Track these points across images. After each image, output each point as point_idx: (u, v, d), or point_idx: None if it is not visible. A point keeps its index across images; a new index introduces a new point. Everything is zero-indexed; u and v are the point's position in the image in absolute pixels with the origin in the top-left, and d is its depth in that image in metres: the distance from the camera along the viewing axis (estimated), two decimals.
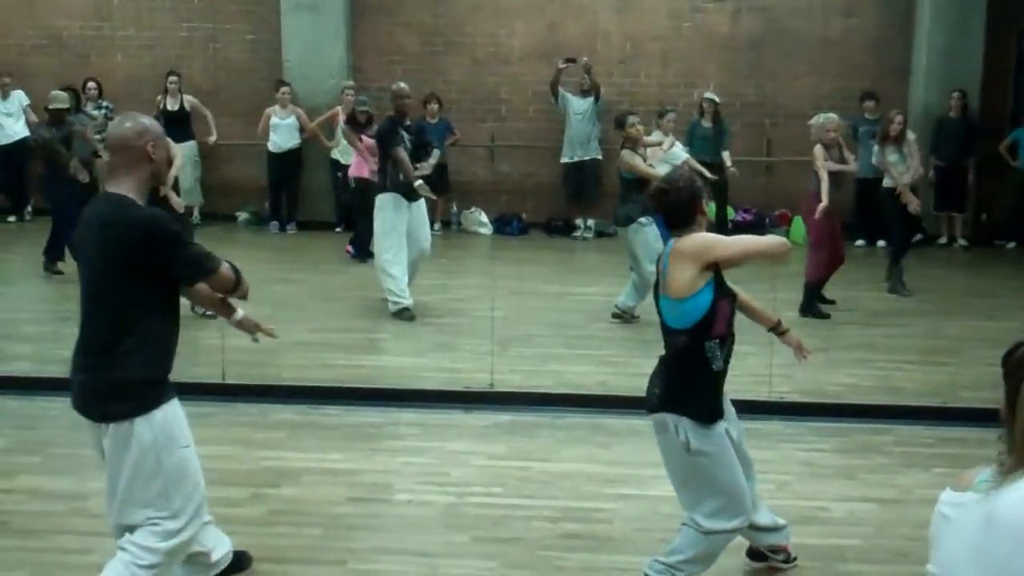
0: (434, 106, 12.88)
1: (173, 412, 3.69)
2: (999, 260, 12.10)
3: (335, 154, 12.80)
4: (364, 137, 10.61)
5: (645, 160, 8.60)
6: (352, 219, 11.43)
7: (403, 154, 8.45)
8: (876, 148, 9.89)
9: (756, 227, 12.70)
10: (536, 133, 13.26)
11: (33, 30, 13.64)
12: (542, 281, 10.38)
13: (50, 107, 10.14)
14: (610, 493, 5.28)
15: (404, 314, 8.46)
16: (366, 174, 10.32)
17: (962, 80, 12.40)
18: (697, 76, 13.17)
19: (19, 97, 12.96)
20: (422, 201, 8.72)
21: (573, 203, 13.20)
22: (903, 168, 9.58)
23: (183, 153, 12.51)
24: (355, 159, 11.07)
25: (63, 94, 10.16)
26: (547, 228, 13.20)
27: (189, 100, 12.72)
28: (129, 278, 3.55)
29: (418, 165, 8.65)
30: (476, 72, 13.37)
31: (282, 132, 12.65)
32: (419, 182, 8.52)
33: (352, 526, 4.88)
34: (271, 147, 12.68)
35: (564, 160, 12.97)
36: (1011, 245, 12.54)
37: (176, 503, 3.66)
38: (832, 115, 9.18)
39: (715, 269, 3.88)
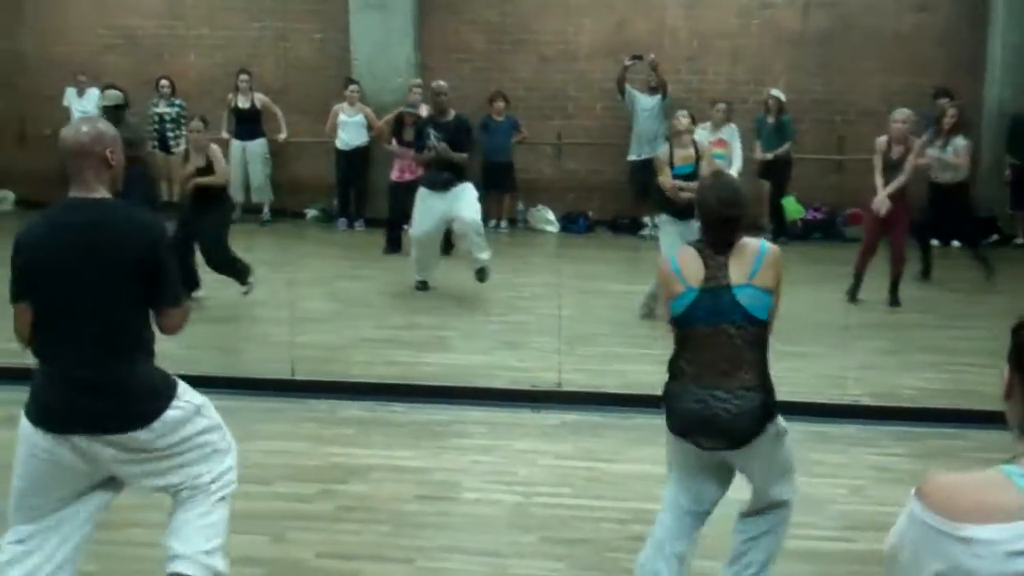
0: (500, 104, 12.90)
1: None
2: None
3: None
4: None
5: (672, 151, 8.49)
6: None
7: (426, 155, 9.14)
8: (924, 139, 9.66)
9: (828, 225, 12.54)
10: (603, 131, 13.21)
11: (106, 29, 13.91)
12: (608, 280, 10.35)
13: (104, 104, 10.20)
14: None
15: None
16: (407, 177, 10.95)
17: None
18: (766, 73, 13.02)
19: (95, 96, 13.22)
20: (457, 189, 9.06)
21: (640, 201, 13.10)
22: (942, 165, 9.39)
23: (253, 151, 12.75)
24: (397, 163, 11.25)
25: (115, 92, 10.25)
26: (613, 226, 13.14)
27: (260, 98, 12.89)
28: (134, 282, 3.46)
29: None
30: (543, 70, 13.36)
31: (350, 130, 12.75)
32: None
33: (420, 524, 4.91)
34: (339, 144, 12.79)
35: (631, 158, 12.89)
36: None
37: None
38: (904, 109, 9.01)
39: None
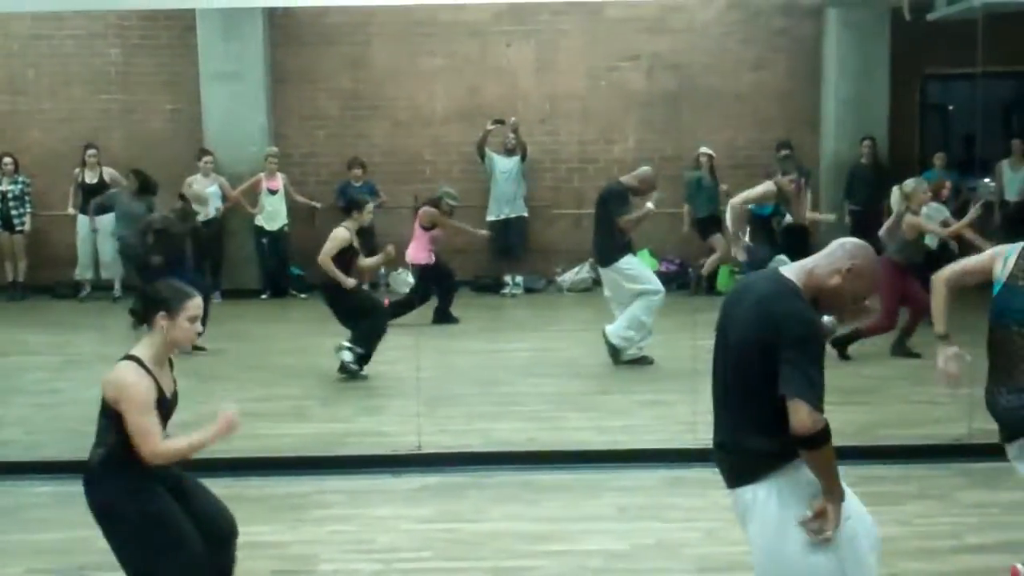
0: (358, 170, 12.94)
1: None
2: None
3: (259, 221, 12.78)
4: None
5: None
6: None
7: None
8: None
9: (681, 276, 12.90)
10: (461, 193, 13.33)
11: None
12: (470, 339, 10.40)
13: None
14: (539, 550, 5.26)
15: None
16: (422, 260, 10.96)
17: (870, 127, 12.82)
18: (616, 132, 13.43)
19: None
20: None
21: (501, 260, 13.30)
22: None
23: (103, 226, 12.41)
24: (415, 244, 11.14)
25: None
26: (475, 286, 13.25)
27: (108, 172, 12.62)
28: None
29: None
30: (398, 135, 13.48)
31: None
32: None
33: None
34: None
35: (490, 218, 13.08)
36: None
37: None
38: (921, 180, 9.44)
39: None
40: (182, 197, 10.34)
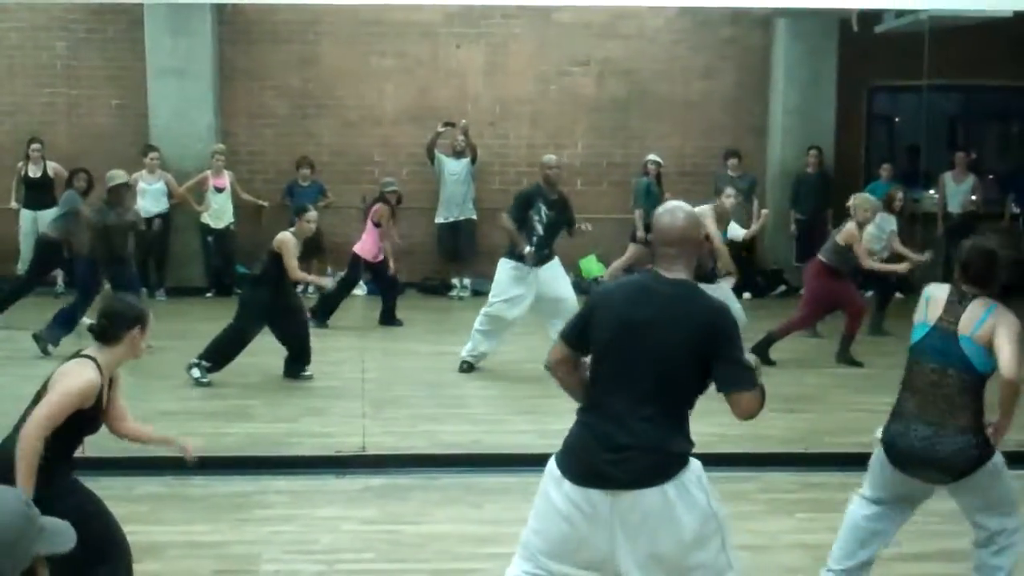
0: (306, 170, 12.86)
1: None
2: None
3: (205, 218, 12.65)
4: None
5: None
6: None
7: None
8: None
9: None
10: (410, 195, 13.30)
11: None
12: (416, 341, 10.37)
13: None
14: (483, 553, 5.25)
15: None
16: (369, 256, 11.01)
17: (816, 137, 13.00)
18: (565, 137, 13.47)
19: None
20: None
21: (449, 262, 13.29)
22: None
23: (46, 220, 12.18)
24: (365, 239, 11.09)
25: None
26: (422, 288, 13.22)
27: (52, 167, 12.37)
28: None
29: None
30: (348, 135, 13.42)
31: (149, 197, 12.40)
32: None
33: None
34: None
35: (439, 221, 13.07)
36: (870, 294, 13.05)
37: None
38: (870, 198, 9.39)
39: None
40: (111, 192, 9.93)
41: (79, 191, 10.55)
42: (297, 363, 8.53)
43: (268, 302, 8.37)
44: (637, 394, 3.49)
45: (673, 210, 3.69)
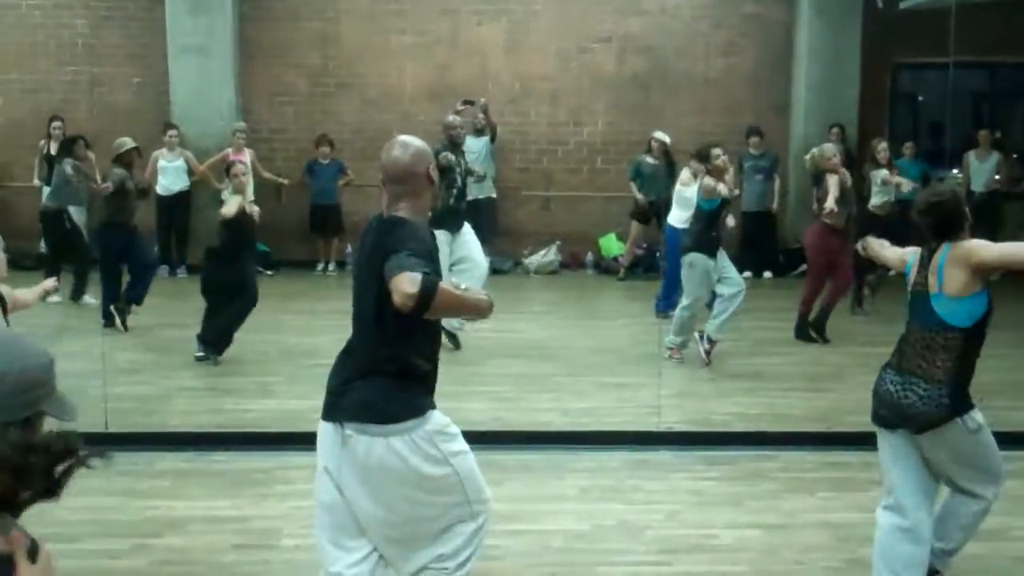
0: (326, 147, 12.87)
1: None
2: (887, 288, 12.45)
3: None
4: None
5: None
6: None
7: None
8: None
9: (649, 261, 12.93)
10: None
11: None
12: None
13: None
14: (502, 530, 5.25)
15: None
16: None
17: (839, 115, 12.87)
18: (585, 114, 13.41)
19: None
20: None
21: None
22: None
23: None
24: None
25: None
26: None
27: None
28: None
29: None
30: (367, 112, 13.40)
31: (170, 175, 12.46)
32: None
33: (238, 574, 4.78)
34: (159, 190, 12.49)
35: None
36: (892, 273, 12.97)
37: None
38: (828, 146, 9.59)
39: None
40: (121, 158, 9.95)
41: (79, 158, 10.65)
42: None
43: (239, 273, 8.50)
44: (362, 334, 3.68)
45: (395, 145, 3.60)
